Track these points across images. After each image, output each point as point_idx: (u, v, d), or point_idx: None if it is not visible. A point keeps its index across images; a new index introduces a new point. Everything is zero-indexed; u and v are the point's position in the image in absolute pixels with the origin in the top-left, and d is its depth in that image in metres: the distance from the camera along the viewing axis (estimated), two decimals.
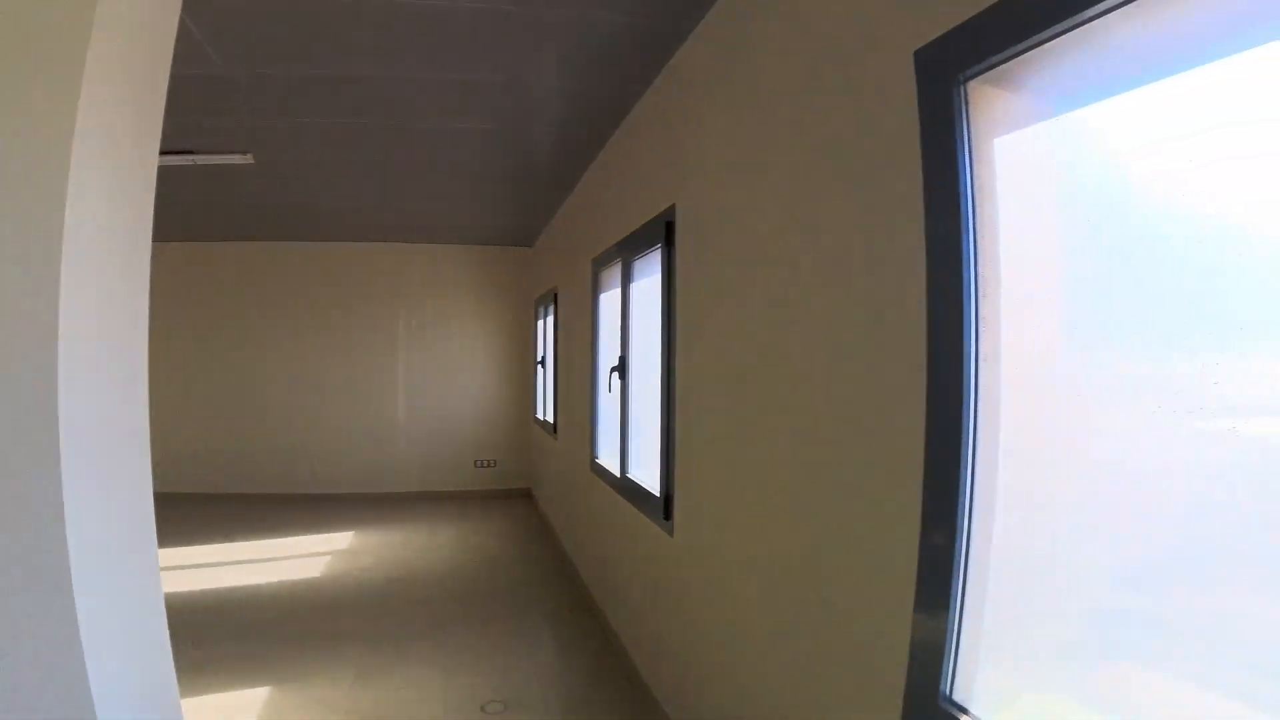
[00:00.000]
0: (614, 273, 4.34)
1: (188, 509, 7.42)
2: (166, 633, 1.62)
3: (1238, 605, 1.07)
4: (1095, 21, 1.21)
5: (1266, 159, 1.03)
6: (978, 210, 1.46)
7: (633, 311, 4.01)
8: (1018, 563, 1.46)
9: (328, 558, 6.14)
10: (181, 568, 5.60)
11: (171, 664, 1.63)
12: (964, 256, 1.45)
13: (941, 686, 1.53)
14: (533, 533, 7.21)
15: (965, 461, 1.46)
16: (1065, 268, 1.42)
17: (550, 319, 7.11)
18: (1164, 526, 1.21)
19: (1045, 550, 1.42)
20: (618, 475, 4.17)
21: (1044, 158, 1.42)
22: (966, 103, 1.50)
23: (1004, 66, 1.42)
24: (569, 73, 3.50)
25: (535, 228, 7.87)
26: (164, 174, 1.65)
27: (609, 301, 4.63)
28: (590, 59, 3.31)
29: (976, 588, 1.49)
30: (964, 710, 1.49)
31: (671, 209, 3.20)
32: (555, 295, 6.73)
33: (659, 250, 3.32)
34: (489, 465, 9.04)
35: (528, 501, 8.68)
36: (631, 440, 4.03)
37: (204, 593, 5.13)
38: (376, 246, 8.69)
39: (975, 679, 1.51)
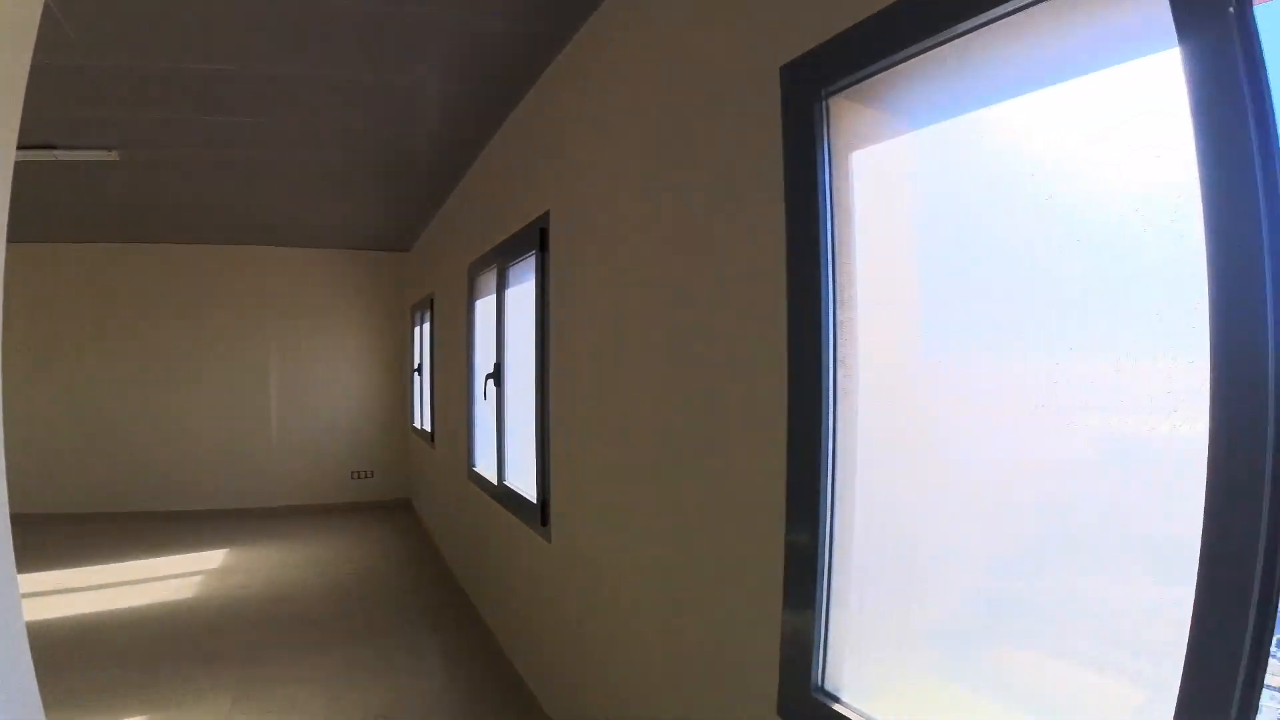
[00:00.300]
0: (490, 278, 4.26)
1: (49, 531, 6.79)
2: (30, 663, 1.48)
3: (1087, 583, 1.14)
4: (949, 44, 1.27)
5: (1103, 172, 1.11)
6: (836, 220, 1.49)
7: (508, 318, 3.95)
8: (881, 556, 1.50)
9: (200, 578, 5.72)
10: (44, 593, 5.12)
11: (37, 696, 1.49)
12: (822, 265, 1.48)
13: (813, 678, 1.56)
14: (413, 544, 6.99)
15: (825, 462, 1.49)
16: (920, 275, 1.48)
17: (427, 325, 6.93)
18: (1020, 515, 1.28)
19: (908, 543, 1.47)
20: (495, 483, 4.09)
21: (899, 170, 1.48)
22: (828, 117, 1.54)
23: (865, 83, 1.46)
24: (447, 76, 3.40)
25: (412, 232, 7.64)
26: (21, 170, 1.50)
27: (485, 308, 4.54)
28: (469, 62, 3.23)
29: (841, 582, 1.52)
30: (835, 699, 1.53)
31: (546, 215, 3.16)
32: (432, 301, 6.56)
33: (534, 256, 3.28)
34: (366, 476, 8.68)
35: (407, 512, 8.41)
36: (508, 447, 3.95)
37: (70, 619, 4.69)
38: (248, 250, 8.14)
39: (844, 669, 1.54)
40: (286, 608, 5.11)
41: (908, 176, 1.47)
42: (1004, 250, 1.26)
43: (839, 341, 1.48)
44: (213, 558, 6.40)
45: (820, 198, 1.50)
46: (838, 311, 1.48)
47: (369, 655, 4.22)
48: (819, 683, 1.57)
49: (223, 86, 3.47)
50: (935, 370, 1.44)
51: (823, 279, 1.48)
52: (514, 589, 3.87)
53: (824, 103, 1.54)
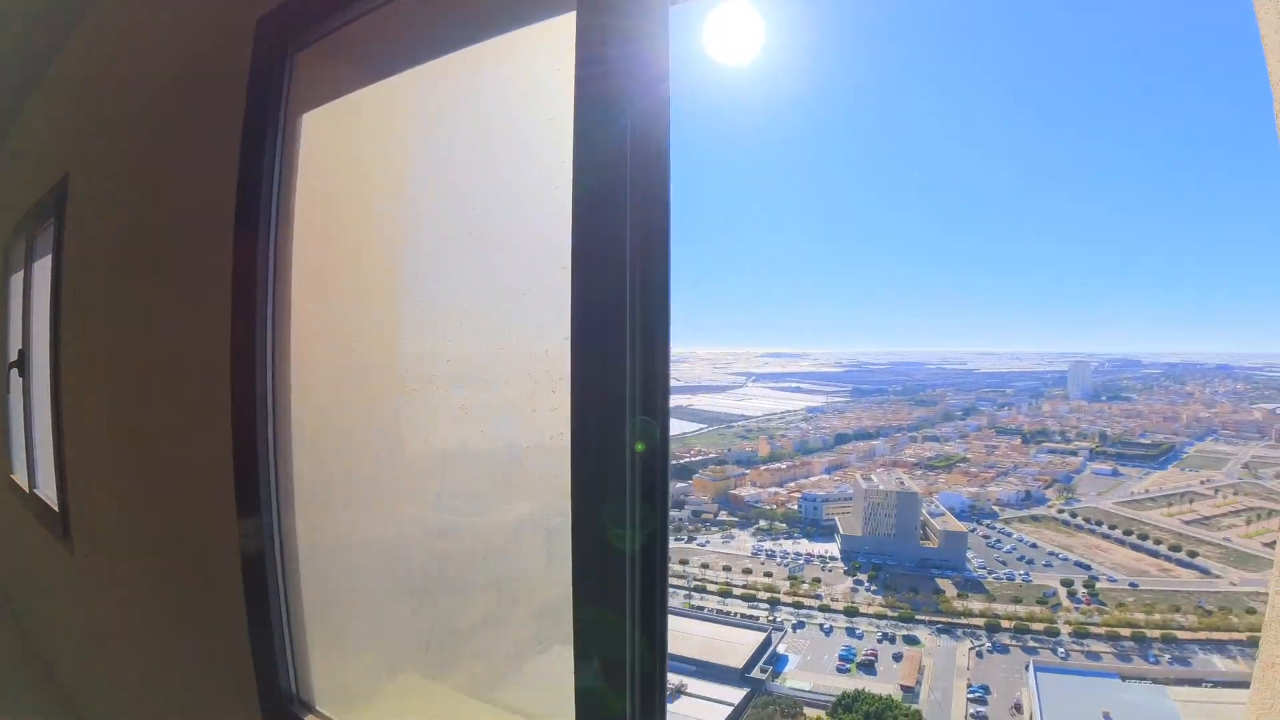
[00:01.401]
0: (21, 249, 3.47)
1: None
2: None
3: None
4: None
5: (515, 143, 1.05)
6: (283, 189, 1.31)
7: (36, 296, 3.20)
8: (330, 556, 1.36)
9: None
10: None
11: None
12: (265, 243, 1.29)
13: (286, 687, 1.39)
14: None
15: (266, 464, 1.31)
16: (358, 255, 1.34)
17: None
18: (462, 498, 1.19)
19: (358, 543, 1.34)
20: (27, 490, 3.35)
21: (355, 132, 1.33)
22: (292, 75, 1.34)
23: (330, 38, 1.30)
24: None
25: None
26: None
27: (19, 284, 3.69)
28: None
29: (295, 588, 1.35)
30: (310, 708, 1.38)
31: (65, 179, 2.59)
32: None
33: (53, 225, 2.69)
34: None
35: None
36: (38, 449, 3.24)
37: None
38: None
39: (314, 676, 1.39)
40: None
41: (361, 137, 1.32)
42: (429, 226, 1.17)
43: (276, 326, 1.30)
44: None
45: (271, 161, 1.30)
46: (277, 289, 1.29)
47: None
48: (293, 691, 1.40)
49: None
50: (373, 353, 1.31)
51: (263, 258, 1.28)
52: (51, 612, 3.20)
53: (291, 58, 1.34)
